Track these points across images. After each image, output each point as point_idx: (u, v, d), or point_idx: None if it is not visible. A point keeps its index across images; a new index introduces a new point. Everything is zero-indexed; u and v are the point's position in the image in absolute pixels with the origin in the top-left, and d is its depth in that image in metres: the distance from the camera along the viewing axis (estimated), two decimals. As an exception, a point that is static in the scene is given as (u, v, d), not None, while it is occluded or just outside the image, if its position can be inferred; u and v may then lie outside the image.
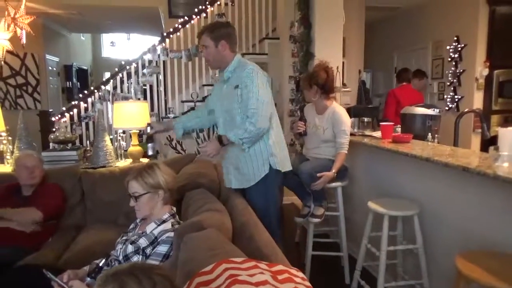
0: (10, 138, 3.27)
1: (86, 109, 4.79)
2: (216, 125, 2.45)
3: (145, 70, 4.94)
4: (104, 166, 3.07)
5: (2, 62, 5.72)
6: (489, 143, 3.16)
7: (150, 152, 2.40)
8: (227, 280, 1.09)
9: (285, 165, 2.34)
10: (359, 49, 5.13)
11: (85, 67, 9.67)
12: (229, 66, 2.22)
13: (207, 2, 5.15)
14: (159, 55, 4.90)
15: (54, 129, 4.37)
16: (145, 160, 3.26)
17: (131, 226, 1.94)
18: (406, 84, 4.44)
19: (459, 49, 5.02)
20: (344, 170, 2.92)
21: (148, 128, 2.42)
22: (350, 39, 4.86)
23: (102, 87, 4.86)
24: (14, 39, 4.43)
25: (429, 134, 2.84)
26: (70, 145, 3.32)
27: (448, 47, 5.15)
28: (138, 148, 3.25)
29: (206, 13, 5.08)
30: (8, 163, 3.20)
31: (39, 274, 1.53)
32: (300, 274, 1.22)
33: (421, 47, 5.85)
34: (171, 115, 4.97)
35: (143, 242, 1.71)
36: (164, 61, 5.00)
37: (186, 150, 4.54)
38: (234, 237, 1.74)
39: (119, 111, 3.24)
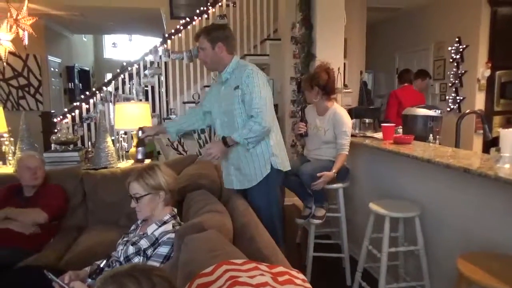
0: (12, 139, 3.28)
1: (88, 110, 4.80)
2: (211, 126, 2.46)
3: (146, 71, 4.95)
4: (105, 167, 3.07)
5: (5, 64, 5.74)
6: (491, 144, 3.15)
7: (139, 156, 2.39)
8: (228, 281, 1.09)
9: (285, 165, 2.37)
10: (360, 50, 5.13)
11: (87, 68, 9.70)
12: (227, 67, 2.23)
13: (209, 3, 5.16)
14: (160, 56, 4.91)
15: (56, 130, 4.38)
16: (146, 161, 3.27)
17: (132, 227, 1.94)
18: (408, 85, 4.43)
19: (461, 50, 5.01)
20: (345, 171, 2.92)
21: (140, 132, 2.41)
22: (352, 40, 4.86)
23: (104, 88, 4.87)
24: (16, 41, 4.44)
25: (431, 135, 2.83)
26: (71, 146, 3.33)
27: (449, 48, 5.15)
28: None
29: (208, 14, 5.09)
30: (10, 164, 3.20)
31: (40, 275, 1.53)
32: (301, 275, 1.22)
33: (422, 48, 5.84)
34: (173, 116, 4.98)
35: (144, 243, 1.71)
36: (165, 62, 5.01)
37: (187, 151, 4.55)
38: (235, 238, 1.74)
39: (120, 112, 3.25)
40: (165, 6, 6.14)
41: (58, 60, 7.75)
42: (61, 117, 4.69)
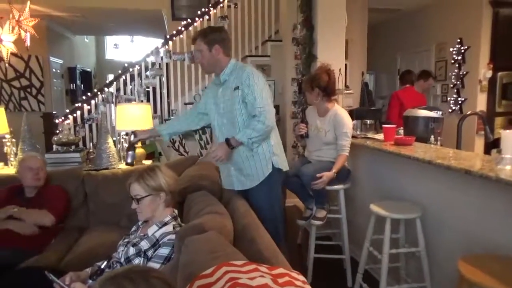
0: (14, 140, 3.29)
1: (89, 111, 4.81)
2: (206, 127, 2.46)
3: (148, 72, 4.96)
4: (107, 168, 3.08)
5: (7, 65, 5.75)
6: (493, 145, 3.14)
7: (129, 160, 2.39)
8: (228, 283, 1.09)
9: (285, 165, 2.40)
10: (362, 51, 5.13)
11: (89, 69, 9.72)
12: (225, 69, 2.25)
13: (210, 5, 5.16)
14: (162, 58, 4.91)
15: (57, 131, 4.39)
16: (147, 162, 3.27)
17: (133, 229, 1.95)
18: (409, 86, 4.43)
19: (463, 51, 5.01)
20: (346, 172, 2.92)
21: (132, 136, 2.41)
22: (353, 41, 4.86)
23: (106, 89, 4.88)
24: (19, 42, 4.46)
25: (432, 136, 2.83)
26: (73, 147, 3.34)
27: (451, 49, 5.14)
28: (141, 151, 3.25)
29: (209, 15, 5.09)
30: (11, 165, 3.21)
31: (42, 276, 1.53)
32: (301, 277, 1.22)
33: (424, 49, 5.84)
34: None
35: (144, 244, 1.71)
36: (167, 64, 5.01)
37: (189, 152, 4.55)
38: (236, 240, 1.74)
39: (122, 113, 3.25)
40: (167, 8, 6.15)
41: (60, 61, 7.78)
42: (62, 118, 4.69)
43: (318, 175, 2.66)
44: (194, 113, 2.50)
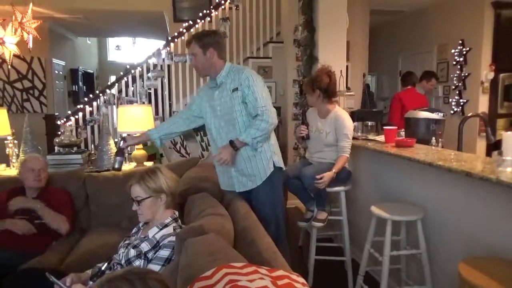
0: (16, 141, 3.30)
1: (91, 112, 4.83)
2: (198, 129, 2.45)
3: (150, 74, 4.97)
4: (108, 170, 3.09)
5: (9, 66, 5.78)
6: (494, 147, 3.13)
7: (116, 166, 2.38)
8: (227, 285, 1.09)
9: (283, 164, 2.41)
10: (363, 52, 5.13)
11: (91, 71, 9.75)
12: (221, 71, 2.26)
13: (212, 7, 5.18)
14: (163, 59, 4.93)
15: (59, 133, 4.41)
16: (149, 164, 3.28)
17: (133, 230, 1.95)
18: (411, 88, 4.42)
19: (464, 52, 5.00)
20: (347, 174, 2.92)
21: (121, 142, 2.41)
22: (355, 43, 4.86)
23: (107, 90, 4.89)
24: (21, 43, 4.48)
25: (433, 138, 2.82)
26: (75, 148, 3.35)
27: (453, 51, 5.14)
28: (142, 152, 3.26)
29: (211, 17, 5.11)
30: (13, 167, 3.22)
31: (43, 278, 1.54)
32: (301, 279, 1.22)
33: (426, 50, 5.84)
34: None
35: (145, 246, 1.71)
36: (168, 65, 5.02)
37: (190, 154, 4.55)
38: (236, 242, 1.74)
39: (123, 115, 3.26)
40: (168, 9, 6.17)
41: (62, 63, 7.80)
42: (64, 119, 4.71)
43: (318, 176, 2.65)
44: (183, 116, 2.48)
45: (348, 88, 3.90)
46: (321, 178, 2.65)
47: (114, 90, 4.90)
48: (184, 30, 4.97)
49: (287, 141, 4.90)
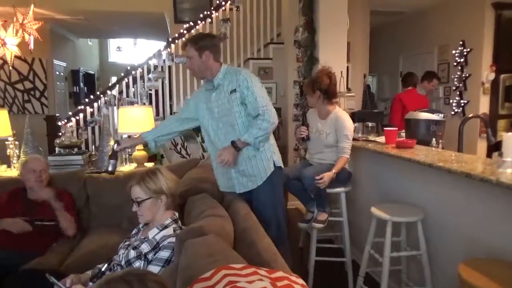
0: (17, 142, 3.31)
1: (92, 113, 4.83)
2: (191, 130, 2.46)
3: (150, 75, 4.98)
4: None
5: (11, 67, 5.79)
6: (495, 148, 3.13)
7: (110, 168, 2.38)
8: (226, 286, 1.09)
9: (282, 164, 2.42)
10: (364, 53, 5.13)
11: (92, 72, 9.77)
12: (218, 74, 2.25)
13: (212, 8, 5.18)
14: (164, 60, 4.94)
15: (60, 134, 4.42)
16: (149, 165, 3.28)
17: (133, 231, 1.95)
18: (412, 89, 4.42)
19: (465, 53, 5.00)
20: (348, 175, 2.91)
21: (115, 145, 2.41)
22: (355, 44, 4.86)
23: (108, 91, 4.90)
24: (22, 45, 4.49)
25: (434, 139, 2.82)
26: (75, 149, 3.35)
27: (454, 52, 5.14)
28: (143, 153, 3.26)
29: (211, 18, 5.11)
30: (14, 168, 3.23)
31: (43, 279, 1.54)
32: (300, 281, 1.22)
33: (426, 51, 5.83)
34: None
35: (145, 247, 1.71)
36: (169, 66, 5.03)
37: (191, 155, 4.56)
38: (236, 243, 1.74)
39: (124, 116, 3.26)
40: (169, 10, 6.18)
41: (64, 64, 7.82)
42: (65, 120, 4.72)
43: (317, 177, 2.65)
44: (178, 118, 2.47)
45: (348, 89, 3.89)
46: (321, 179, 2.64)
47: (115, 91, 4.91)
48: (185, 31, 4.98)
49: (288, 142, 4.90)
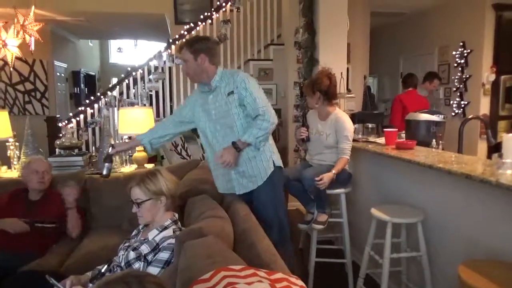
0: (17, 143, 3.31)
1: (92, 115, 4.84)
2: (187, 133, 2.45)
3: (151, 76, 4.99)
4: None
5: (11, 69, 5.80)
6: (496, 149, 3.13)
7: (104, 172, 2.38)
8: (225, 288, 1.09)
9: (281, 163, 2.42)
10: (364, 54, 5.13)
11: (93, 73, 9.78)
12: (215, 76, 2.25)
13: (213, 9, 5.19)
14: (165, 61, 4.94)
15: (61, 135, 4.42)
16: (149, 166, 3.29)
17: (133, 233, 1.95)
18: (412, 90, 4.41)
19: (465, 54, 5.00)
20: (348, 176, 2.91)
21: (110, 148, 2.41)
22: (355, 45, 4.86)
23: (109, 93, 4.91)
24: (23, 46, 4.49)
25: (434, 140, 2.82)
26: (76, 150, 3.36)
27: (454, 53, 5.14)
28: (143, 154, 3.27)
29: (212, 19, 5.12)
30: (15, 169, 3.23)
31: (43, 280, 1.54)
32: (300, 282, 1.22)
33: (427, 52, 5.84)
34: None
35: (144, 248, 1.71)
36: (170, 67, 5.04)
37: (191, 156, 4.56)
38: (235, 244, 1.74)
39: (124, 117, 3.27)
40: (170, 12, 6.18)
41: (64, 65, 7.83)
42: (66, 121, 4.72)
43: (317, 178, 2.65)
44: (175, 120, 2.45)
45: (348, 90, 3.89)
46: (320, 179, 2.64)
47: (115, 92, 4.91)
48: (185, 33, 4.98)
49: (288, 143, 4.90)
